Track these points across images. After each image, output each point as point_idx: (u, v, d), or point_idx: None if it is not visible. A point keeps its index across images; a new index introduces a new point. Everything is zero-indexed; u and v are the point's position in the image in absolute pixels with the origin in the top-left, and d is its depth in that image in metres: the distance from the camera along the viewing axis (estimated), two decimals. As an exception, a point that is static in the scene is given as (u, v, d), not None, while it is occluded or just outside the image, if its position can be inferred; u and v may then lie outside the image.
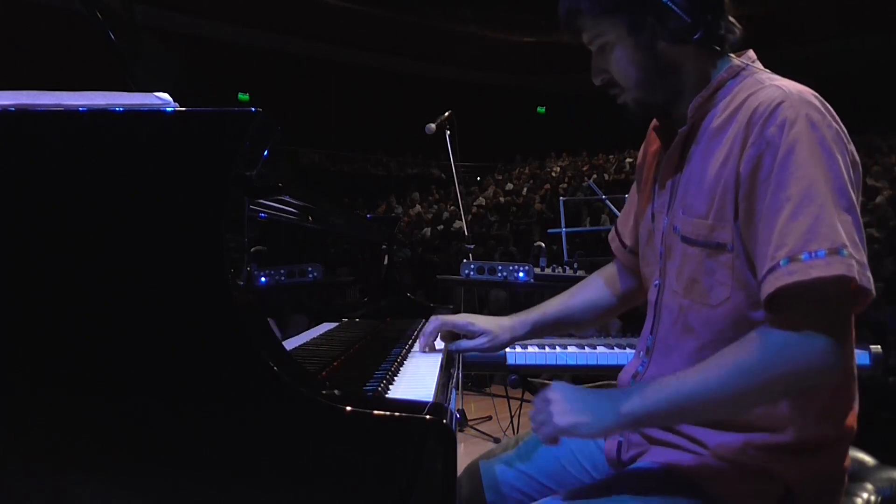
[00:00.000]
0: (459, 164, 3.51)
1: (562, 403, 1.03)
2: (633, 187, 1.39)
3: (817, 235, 0.92)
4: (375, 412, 0.86)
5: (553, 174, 15.61)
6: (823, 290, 0.93)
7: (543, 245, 3.27)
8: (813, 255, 0.92)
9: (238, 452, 0.88)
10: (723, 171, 1.05)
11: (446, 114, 3.39)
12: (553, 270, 2.91)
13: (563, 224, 3.33)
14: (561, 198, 3.60)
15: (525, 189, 14.81)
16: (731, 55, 1.14)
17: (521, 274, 2.83)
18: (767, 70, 1.14)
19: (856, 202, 0.97)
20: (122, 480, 0.89)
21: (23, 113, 0.93)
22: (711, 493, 1.06)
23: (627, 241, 1.41)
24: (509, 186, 15.53)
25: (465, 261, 3.00)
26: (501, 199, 14.25)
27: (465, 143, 3.50)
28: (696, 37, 1.07)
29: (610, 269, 1.48)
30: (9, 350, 0.90)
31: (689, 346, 1.12)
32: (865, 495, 1.31)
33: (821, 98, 1.04)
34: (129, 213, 0.91)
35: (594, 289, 1.47)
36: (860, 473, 1.41)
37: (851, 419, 1.10)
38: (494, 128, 18.23)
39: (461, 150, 3.48)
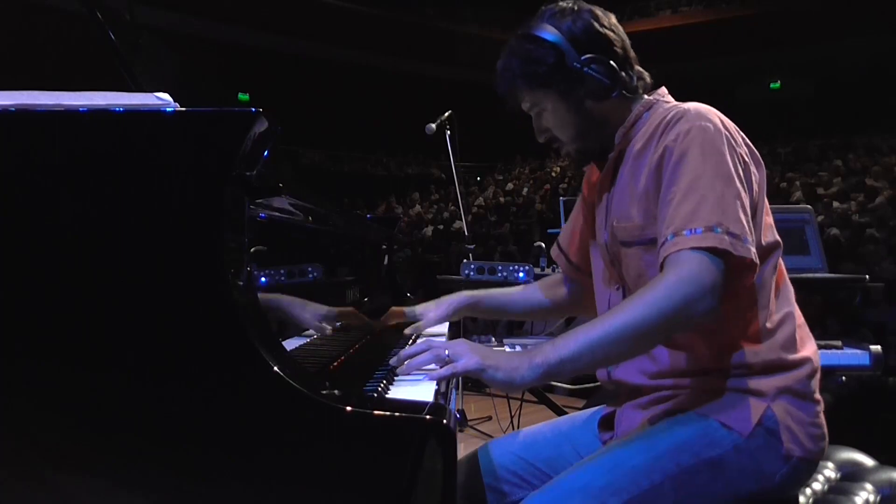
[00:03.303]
0: (459, 164, 3.51)
1: (480, 350, 1.15)
2: (575, 209, 1.60)
3: (697, 217, 1.13)
4: (376, 412, 0.86)
5: (553, 174, 15.61)
6: (699, 257, 1.12)
7: (543, 245, 3.27)
8: (692, 231, 1.13)
9: (238, 452, 0.88)
10: (647, 181, 1.25)
11: (446, 114, 3.39)
12: (553, 270, 2.90)
13: (562, 224, 3.32)
14: (561, 198, 3.60)
15: (525, 189, 14.81)
16: (644, 95, 1.36)
17: (521, 274, 2.82)
18: (673, 100, 1.36)
19: (742, 189, 1.17)
20: (123, 480, 0.89)
21: (23, 113, 0.93)
22: (706, 414, 1.21)
23: (573, 258, 1.60)
24: (509, 186, 15.53)
25: (465, 261, 2.99)
26: (501, 199, 14.25)
27: (465, 143, 3.50)
28: (614, 94, 1.30)
29: (555, 277, 1.70)
30: (9, 350, 0.90)
31: None
32: (865, 495, 1.31)
33: (718, 113, 1.24)
34: (130, 212, 0.91)
35: (537, 290, 1.68)
36: (860, 473, 1.41)
37: (806, 353, 1.27)
38: (494, 128, 18.19)
39: (461, 150, 3.48)
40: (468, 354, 1.13)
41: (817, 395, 1.26)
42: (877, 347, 2.29)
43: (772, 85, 18.02)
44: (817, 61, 16.70)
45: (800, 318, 1.31)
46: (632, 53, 1.34)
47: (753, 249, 1.14)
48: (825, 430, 1.26)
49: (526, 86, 1.33)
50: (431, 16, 19.03)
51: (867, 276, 2.68)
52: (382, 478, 0.86)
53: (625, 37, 1.34)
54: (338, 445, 0.87)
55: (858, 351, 2.31)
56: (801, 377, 1.24)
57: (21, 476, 0.90)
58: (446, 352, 1.15)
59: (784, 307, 1.28)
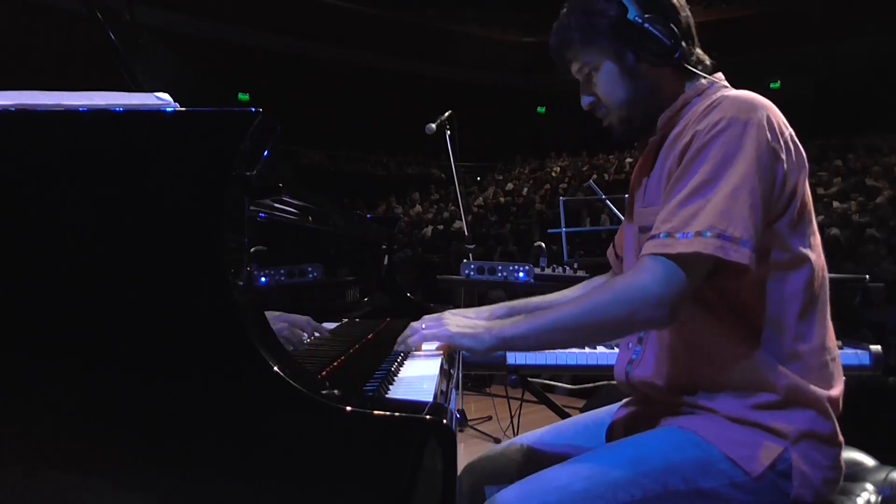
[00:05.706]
0: (459, 164, 3.50)
1: (456, 320, 1.28)
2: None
3: (693, 221, 1.10)
4: (375, 412, 0.86)
5: (553, 174, 15.61)
6: (680, 261, 1.11)
7: (543, 245, 3.27)
8: (684, 235, 1.11)
9: (238, 452, 0.88)
10: (671, 166, 1.20)
11: (446, 114, 3.38)
12: (553, 270, 2.91)
13: (563, 224, 3.32)
14: (561, 198, 3.60)
15: (525, 189, 14.81)
16: (702, 77, 1.29)
17: (521, 274, 2.83)
18: (730, 87, 1.28)
19: (760, 186, 1.12)
20: (123, 480, 0.89)
21: (23, 113, 0.93)
22: (713, 443, 1.17)
23: (620, 253, 1.53)
24: (509, 186, 15.53)
25: (465, 261, 2.99)
26: (501, 199, 14.25)
27: (465, 143, 3.49)
28: (676, 55, 1.24)
29: (603, 278, 1.61)
30: (9, 350, 0.90)
31: (675, 326, 1.21)
32: (865, 495, 1.31)
33: (765, 104, 1.17)
34: (130, 212, 0.91)
35: (580, 290, 1.58)
36: (860, 473, 1.41)
37: (834, 392, 1.21)
38: (494, 128, 18.21)
39: (461, 150, 3.47)
40: (440, 326, 1.26)
41: (840, 437, 1.21)
42: (877, 347, 2.29)
43: (772, 85, 18.00)
44: (817, 61, 16.69)
45: (835, 351, 1.25)
46: (694, 31, 1.30)
47: (751, 253, 1.09)
48: (843, 471, 1.22)
49: (582, 40, 1.28)
50: (431, 16, 19.03)
51: (867, 276, 2.68)
52: (382, 478, 0.86)
53: (689, 13, 1.30)
54: (338, 445, 0.87)
55: (858, 351, 2.31)
56: (828, 420, 1.18)
57: (21, 476, 0.90)
58: (423, 325, 1.28)
59: (819, 336, 1.22)
